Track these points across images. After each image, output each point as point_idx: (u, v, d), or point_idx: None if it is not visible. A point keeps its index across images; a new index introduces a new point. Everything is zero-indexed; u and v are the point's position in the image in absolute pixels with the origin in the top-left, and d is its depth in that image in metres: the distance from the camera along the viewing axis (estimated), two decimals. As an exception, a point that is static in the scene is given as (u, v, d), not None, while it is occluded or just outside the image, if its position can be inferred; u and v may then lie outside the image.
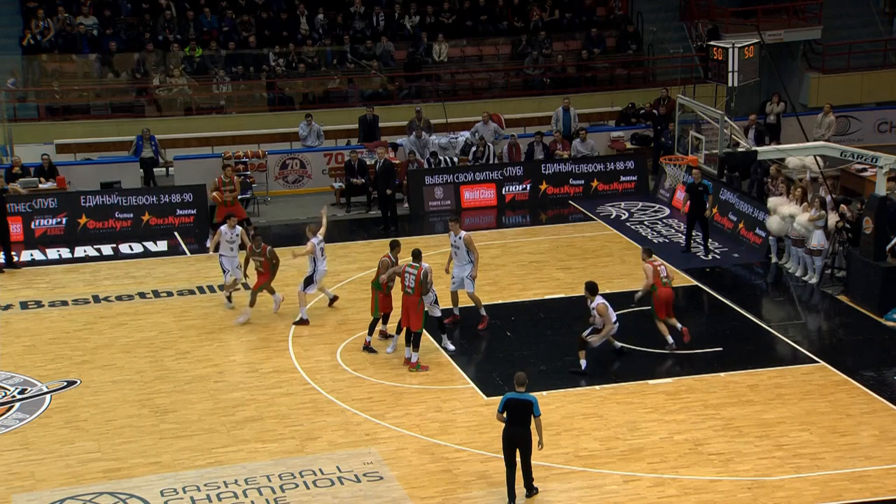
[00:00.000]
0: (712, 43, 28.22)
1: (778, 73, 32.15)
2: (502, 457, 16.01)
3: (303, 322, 22.13)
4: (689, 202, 25.81)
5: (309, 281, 22.14)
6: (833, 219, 23.85)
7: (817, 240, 23.77)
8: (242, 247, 22.75)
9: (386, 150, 28.88)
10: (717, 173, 23.99)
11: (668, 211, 28.98)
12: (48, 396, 19.40)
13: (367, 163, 29.74)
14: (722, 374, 19.94)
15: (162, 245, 26.94)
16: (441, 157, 30.60)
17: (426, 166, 30.02)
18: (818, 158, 25.38)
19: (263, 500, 16.19)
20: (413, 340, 20.14)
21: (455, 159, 30.57)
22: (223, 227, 22.78)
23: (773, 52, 32.22)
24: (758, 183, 28.22)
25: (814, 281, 23.97)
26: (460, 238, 21.62)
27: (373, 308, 21.00)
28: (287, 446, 17.67)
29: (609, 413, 18.52)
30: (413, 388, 19.50)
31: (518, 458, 15.77)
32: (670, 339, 20.59)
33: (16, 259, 25.61)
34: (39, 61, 33.05)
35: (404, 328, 20.33)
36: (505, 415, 15.72)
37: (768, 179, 26.77)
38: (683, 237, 26.28)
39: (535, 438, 15.80)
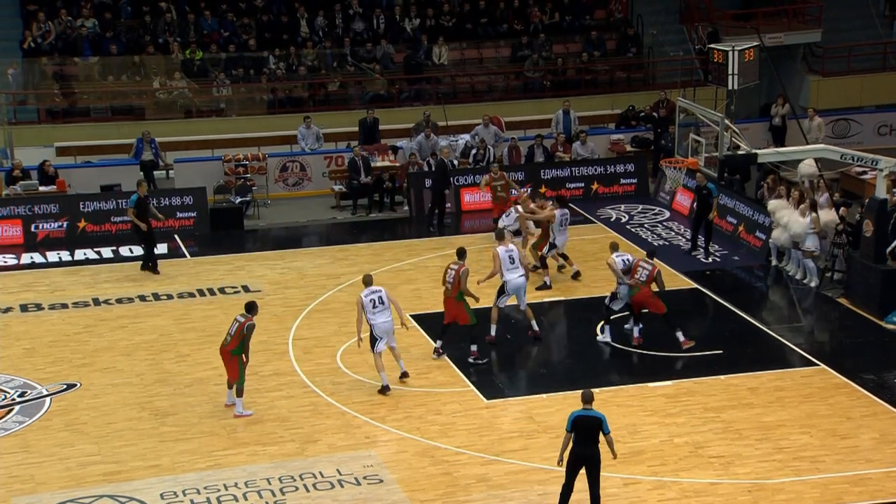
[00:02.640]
0: (712, 46, 28.22)
1: (778, 76, 32.15)
2: (505, 460, 15.95)
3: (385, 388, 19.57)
4: (696, 204, 25.90)
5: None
6: (828, 218, 23.84)
7: (810, 243, 23.78)
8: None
9: (442, 151, 28.95)
10: (716, 176, 24.02)
11: (667, 213, 28.98)
12: (48, 399, 19.38)
13: (371, 164, 29.80)
14: (722, 377, 19.92)
15: (162, 248, 26.86)
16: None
17: (426, 169, 29.97)
18: (817, 163, 25.43)
19: (263, 502, 16.17)
20: (668, 322, 20.88)
21: (455, 162, 30.55)
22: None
23: (773, 54, 32.22)
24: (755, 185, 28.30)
25: (814, 284, 23.96)
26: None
27: (468, 317, 20.17)
28: (287, 449, 17.65)
29: (609, 416, 18.25)
30: (413, 391, 19.48)
31: (586, 479, 15.37)
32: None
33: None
34: (40, 64, 33.04)
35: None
36: (573, 434, 15.36)
37: (764, 184, 26.81)
38: (686, 239, 26.29)
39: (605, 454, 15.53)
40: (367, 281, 19.49)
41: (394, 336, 19.42)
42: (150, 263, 25.27)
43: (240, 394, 18.66)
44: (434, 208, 28.34)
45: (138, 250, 26.69)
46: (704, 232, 25.87)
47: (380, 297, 19.18)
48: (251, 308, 18.72)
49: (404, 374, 19.70)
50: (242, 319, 18.50)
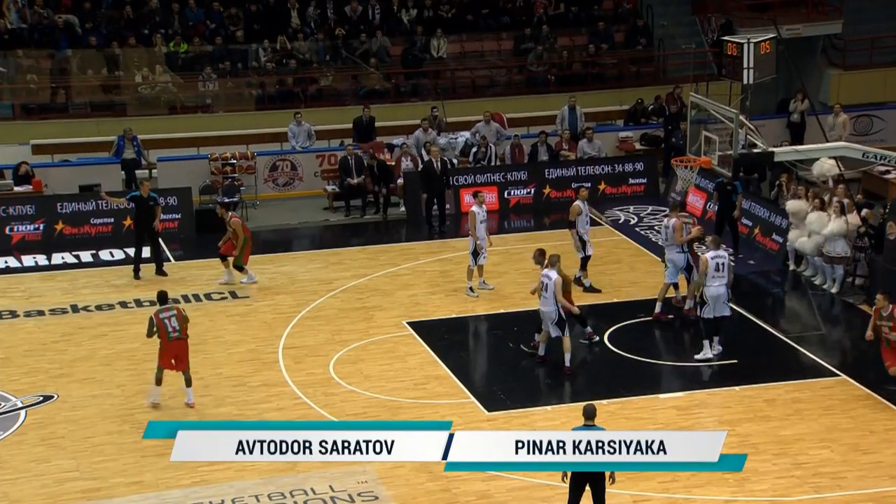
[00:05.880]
0: (726, 38, 28.23)
1: (797, 70, 32.16)
2: (507, 476, 15.92)
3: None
4: (719, 202, 25.90)
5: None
6: (854, 222, 23.85)
7: (840, 247, 23.74)
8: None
9: (431, 151, 28.94)
10: (731, 175, 24.02)
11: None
12: (23, 412, 19.37)
13: (364, 163, 29.82)
14: (737, 389, 19.93)
15: (145, 251, 26.82)
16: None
17: (420, 163, 29.89)
18: (838, 162, 25.42)
19: (251, 521, 16.21)
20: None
21: (455, 161, 30.55)
22: None
23: (790, 47, 32.20)
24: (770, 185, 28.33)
25: (834, 290, 23.95)
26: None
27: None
28: (277, 464, 17.54)
29: (618, 429, 18.44)
30: (410, 403, 19.48)
31: (591, 496, 15.35)
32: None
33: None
34: (15, 57, 33.01)
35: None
36: None
37: (779, 183, 26.81)
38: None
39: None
40: (552, 261, 20.70)
41: (550, 325, 20.34)
42: (160, 268, 25.45)
43: (189, 384, 19.35)
44: (431, 210, 28.32)
45: (119, 254, 26.72)
46: (731, 233, 25.82)
47: (545, 286, 20.33)
48: (163, 299, 19.52)
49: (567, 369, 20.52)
50: (171, 305, 19.46)
